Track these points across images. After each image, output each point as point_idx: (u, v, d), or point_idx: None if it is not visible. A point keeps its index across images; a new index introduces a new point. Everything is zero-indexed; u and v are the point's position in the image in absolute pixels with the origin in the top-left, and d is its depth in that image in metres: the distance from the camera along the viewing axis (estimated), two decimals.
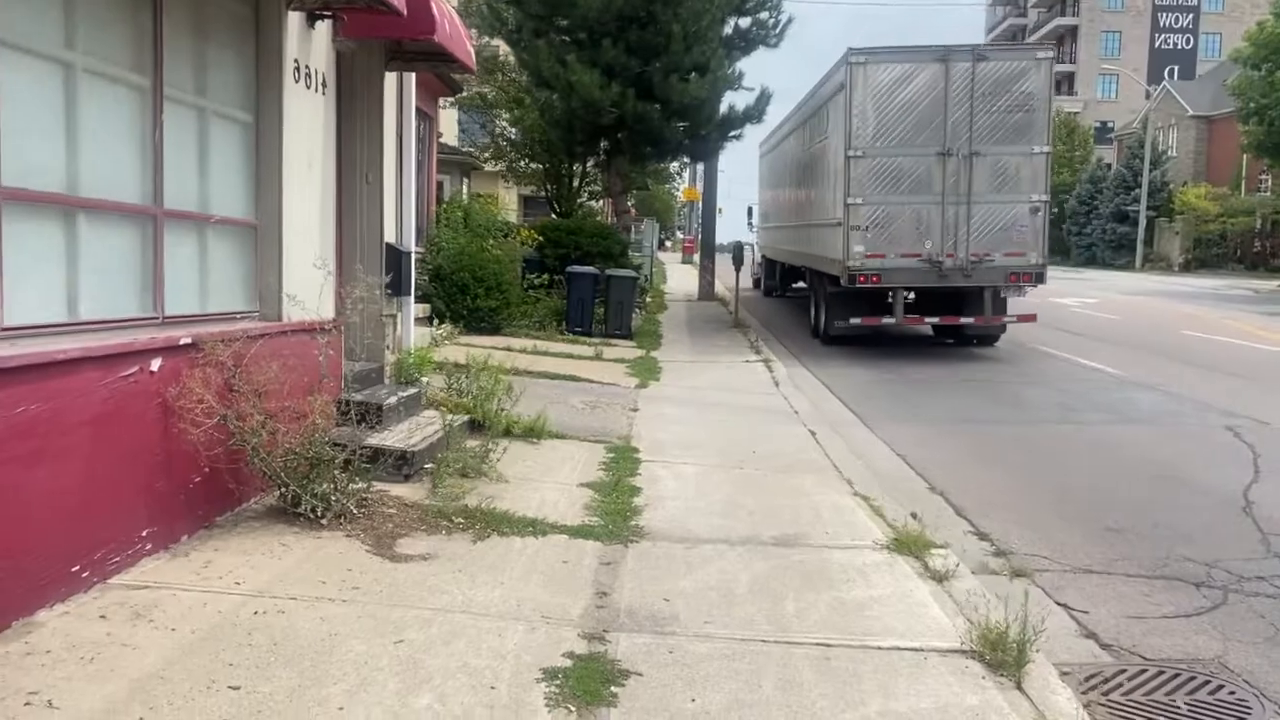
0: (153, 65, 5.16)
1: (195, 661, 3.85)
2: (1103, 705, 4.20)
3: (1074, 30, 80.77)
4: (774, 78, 22.31)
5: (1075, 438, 9.86)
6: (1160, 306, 26.79)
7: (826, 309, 16.65)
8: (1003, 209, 14.71)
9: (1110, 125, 73.64)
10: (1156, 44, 78.69)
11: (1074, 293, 31.37)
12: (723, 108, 20.35)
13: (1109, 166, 64.68)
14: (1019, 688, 4.02)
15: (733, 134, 21.21)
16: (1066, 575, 5.84)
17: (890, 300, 15.29)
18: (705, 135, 20.42)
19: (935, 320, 15.82)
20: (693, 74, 18.10)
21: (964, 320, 15.43)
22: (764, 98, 20.52)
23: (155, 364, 4.90)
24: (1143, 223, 55.00)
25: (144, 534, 4.89)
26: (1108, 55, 77.77)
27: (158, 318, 5.31)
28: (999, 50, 15.35)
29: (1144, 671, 4.55)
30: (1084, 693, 4.27)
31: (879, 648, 4.35)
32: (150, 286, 5.29)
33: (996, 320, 15.36)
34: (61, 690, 3.55)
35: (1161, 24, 78.93)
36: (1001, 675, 4.11)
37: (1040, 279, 15.04)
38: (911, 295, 15.81)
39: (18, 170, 4.24)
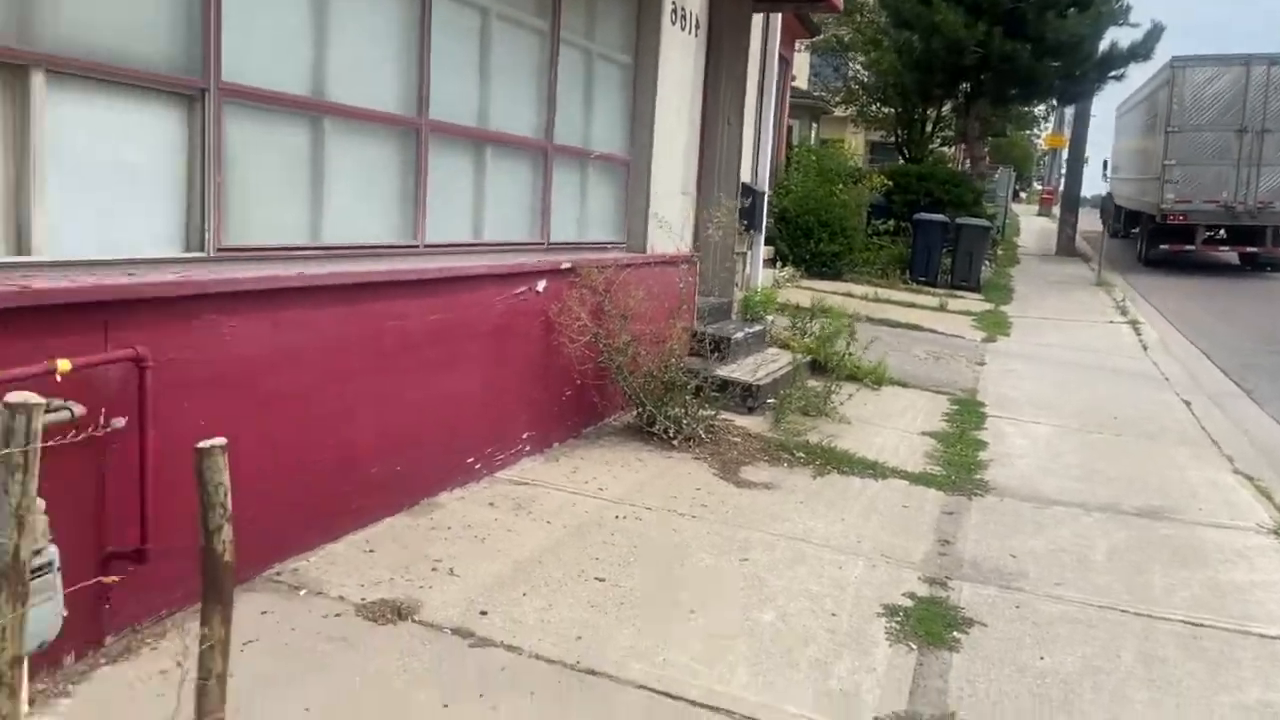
0: (552, 10, 5.62)
1: (566, 552, 4.29)
2: None
3: None
4: (1168, 10, 20.29)
5: None
6: None
7: (1147, 239, 22.84)
8: None
9: None
10: None
11: None
12: (1102, 45, 18.61)
13: None
14: None
15: (1113, 74, 19.37)
16: None
17: (1193, 234, 20.71)
18: (1080, 76, 18.82)
19: (1226, 249, 21.79)
20: (1071, 9, 16.68)
21: (1251, 249, 20.92)
22: (1153, 34, 18.54)
23: (541, 285, 5.41)
24: None
25: (524, 437, 5.47)
26: None
27: (543, 243, 5.85)
28: None
29: None
30: None
31: (1261, 635, 3.95)
32: (539, 214, 5.82)
33: (1278, 250, 20.53)
34: (459, 561, 4.09)
35: None
36: None
37: None
38: (1223, 233, 21.36)
39: (442, 106, 4.81)
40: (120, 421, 2.32)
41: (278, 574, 3.77)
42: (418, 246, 4.73)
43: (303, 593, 3.67)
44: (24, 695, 2.26)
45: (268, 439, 3.59)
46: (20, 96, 2.85)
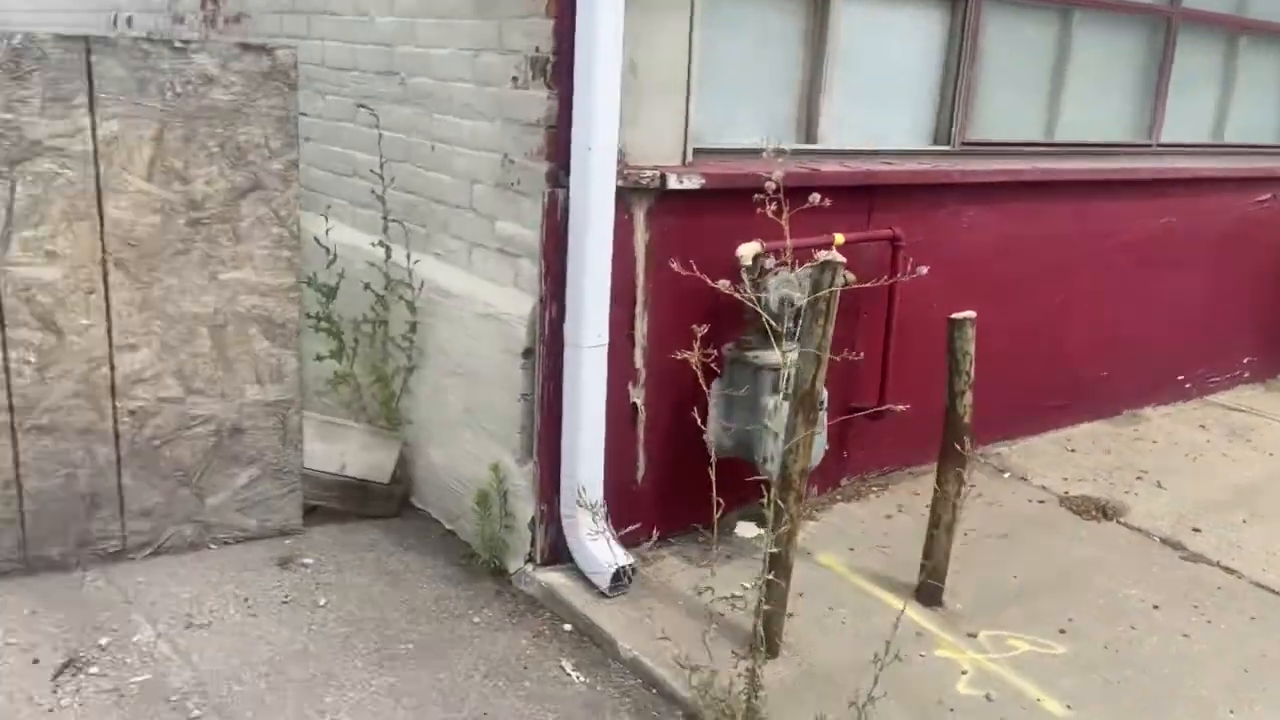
0: None
1: None
2: None
3: None
4: None
5: None
6: None
7: None
8: None
9: None
10: None
11: None
12: None
13: None
14: None
15: None
16: None
17: None
18: None
19: None
20: None
21: None
22: None
23: None
24: None
25: (1244, 361, 4.97)
26: None
27: None
28: None
29: None
30: None
31: None
32: None
33: None
34: (1166, 475, 3.92)
35: None
36: None
37: None
38: None
39: None
40: (924, 269, 2.60)
41: (982, 455, 3.97)
42: (1151, 145, 4.47)
43: (1006, 475, 3.84)
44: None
45: (989, 324, 3.75)
46: (822, 6, 3.30)
